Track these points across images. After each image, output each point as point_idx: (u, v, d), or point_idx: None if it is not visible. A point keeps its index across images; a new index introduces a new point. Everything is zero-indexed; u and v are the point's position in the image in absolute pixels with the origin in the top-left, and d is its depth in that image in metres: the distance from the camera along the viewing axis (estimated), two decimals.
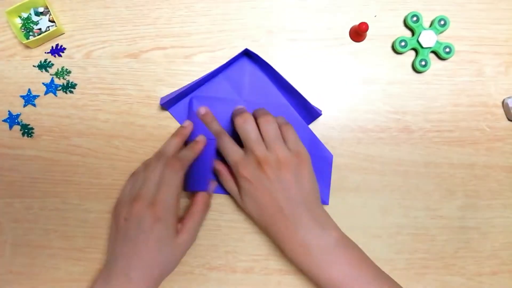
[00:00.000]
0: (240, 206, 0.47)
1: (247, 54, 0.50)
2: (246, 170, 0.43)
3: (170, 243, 0.42)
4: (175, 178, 0.42)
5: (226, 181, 0.46)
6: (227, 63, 0.49)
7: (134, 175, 0.45)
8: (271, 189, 0.42)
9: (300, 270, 0.42)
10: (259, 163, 0.42)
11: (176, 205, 0.42)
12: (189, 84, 0.49)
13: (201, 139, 0.46)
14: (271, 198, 0.42)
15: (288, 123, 0.46)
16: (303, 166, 0.43)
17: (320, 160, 0.48)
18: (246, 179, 0.43)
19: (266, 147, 0.43)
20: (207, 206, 0.46)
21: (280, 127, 0.44)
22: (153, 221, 0.40)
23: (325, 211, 0.44)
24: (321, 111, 0.49)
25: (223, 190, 0.49)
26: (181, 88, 0.49)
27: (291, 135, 0.45)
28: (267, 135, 0.43)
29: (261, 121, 0.44)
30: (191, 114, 0.50)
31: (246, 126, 0.43)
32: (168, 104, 0.49)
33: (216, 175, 0.48)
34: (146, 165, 0.45)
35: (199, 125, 0.47)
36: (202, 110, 0.49)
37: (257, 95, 0.50)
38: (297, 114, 0.49)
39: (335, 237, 0.41)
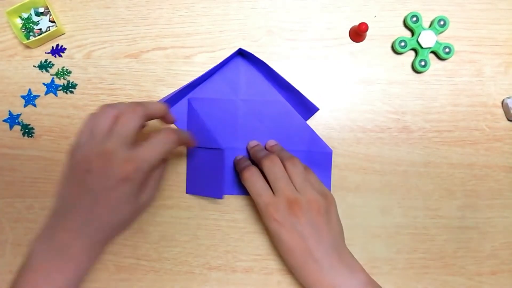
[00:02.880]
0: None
1: (241, 53, 0.50)
2: (277, 213, 0.42)
3: (132, 202, 0.38)
4: (164, 142, 0.38)
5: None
6: (221, 62, 0.49)
7: (98, 115, 0.38)
8: (302, 232, 0.41)
9: None
10: (290, 205, 0.41)
11: (150, 170, 0.38)
12: (184, 85, 0.49)
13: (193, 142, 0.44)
14: (302, 241, 0.41)
15: (307, 167, 0.46)
16: (332, 208, 0.43)
17: (320, 156, 0.49)
18: (277, 222, 0.42)
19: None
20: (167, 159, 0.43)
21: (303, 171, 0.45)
22: (121, 179, 0.36)
23: (351, 253, 0.43)
24: (318, 107, 0.49)
25: (239, 190, 0.49)
26: (177, 89, 0.49)
27: (315, 177, 0.45)
28: (296, 178, 0.43)
29: (288, 164, 0.44)
30: (190, 116, 0.50)
31: (275, 168, 0.43)
32: None
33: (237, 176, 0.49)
34: (116, 107, 0.38)
35: (201, 129, 0.47)
36: (253, 143, 0.49)
37: (254, 94, 0.50)
38: (294, 110, 0.49)
39: (363, 281, 0.41)
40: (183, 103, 0.50)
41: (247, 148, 0.49)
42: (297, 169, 0.43)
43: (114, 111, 0.38)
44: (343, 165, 0.49)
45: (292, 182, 0.43)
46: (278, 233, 0.42)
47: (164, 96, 0.50)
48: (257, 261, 0.49)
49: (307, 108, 0.49)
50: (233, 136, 0.49)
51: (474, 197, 0.49)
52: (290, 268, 0.43)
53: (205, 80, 0.50)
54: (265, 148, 0.49)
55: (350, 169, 0.49)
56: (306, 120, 0.50)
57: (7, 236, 0.50)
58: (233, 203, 0.50)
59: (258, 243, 0.49)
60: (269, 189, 0.43)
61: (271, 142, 0.49)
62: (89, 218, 0.36)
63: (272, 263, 0.49)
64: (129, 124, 0.37)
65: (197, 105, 0.50)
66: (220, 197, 0.47)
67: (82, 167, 0.37)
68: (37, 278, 0.36)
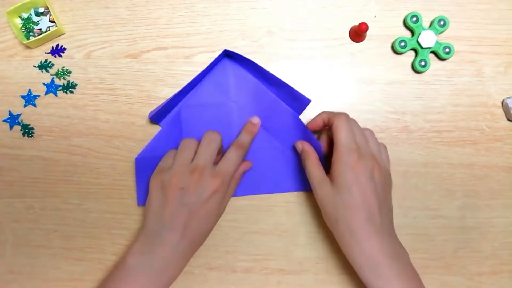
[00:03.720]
0: (317, 195, 0.43)
1: (227, 55, 0.49)
2: (360, 163, 0.41)
3: (217, 214, 0.44)
4: (238, 155, 0.45)
5: (313, 165, 0.44)
6: (208, 66, 0.48)
7: (180, 147, 0.45)
8: (375, 191, 0.41)
9: (365, 272, 0.40)
10: (372, 163, 0.42)
11: (231, 180, 0.44)
12: (174, 94, 0.49)
13: (257, 121, 0.49)
14: (372, 197, 0.41)
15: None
16: (390, 185, 0.45)
17: None
18: (355, 171, 0.41)
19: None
20: (240, 179, 0.48)
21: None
22: (212, 192, 0.42)
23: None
24: (310, 99, 0.48)
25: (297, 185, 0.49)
26: (167, 100, 0.49)
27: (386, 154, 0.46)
28: (373, 145, 0.44)
29: (370, 140, 0.45)
30: (185, 124, 0.49)
31: (366, 131, 0.45)
32: (157, 117, 0.49)
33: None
34: (192, 141, 0.45)
35: (198, 136, 0.46)
36: (255, 120, 0.49)
37: (245, 94, 0.50)
38: (286, 106, 0.49)
39: (409, 258, 0.42)
40: (175, 113, 0.50)
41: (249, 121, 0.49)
42: (377, 145, 0.45)
43: (195, 140, 0.45)
44: None
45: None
46: (351, 182, 0.40)
47: (151, 110, 0.50)
48: (257, 261, 0.49)
49: (299, 102, 0.49)
50: (230, 138, 0.49)
51: (474, 197, 0.49)
52: (341, 229, 0.41)
53: (194, 86, 0.50)
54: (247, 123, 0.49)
55: None
56: (300, 113, 0.50)
57: (7, 236, 0.50)
58: (233, 203, 0.49)
59: (258, 243, 0.49)
60: (357, 141, 0.42)
61: (255, 119, 0.49)
62: (185, 232, 0.41)
63: (272, 263, 0.49)
64: (211, 147, 0.44)
65: (190, 112, 0.50)
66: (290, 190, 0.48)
67: (176, 186, 0.42)
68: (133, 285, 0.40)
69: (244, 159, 0.48)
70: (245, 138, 0.47)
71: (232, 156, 0.44)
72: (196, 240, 0.43)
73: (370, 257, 0.40)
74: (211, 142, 0.44)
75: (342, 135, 0.42)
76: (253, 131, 0.48)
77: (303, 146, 0.46)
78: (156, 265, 0.41)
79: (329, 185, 0.42)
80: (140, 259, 0.41)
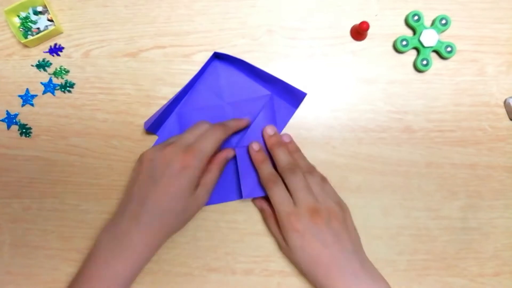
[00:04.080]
0: (282, 251, 0.47)
1: (217, 57, 0.49)
2: (299, 223, 0.41)
3: (188, 195, 0.42)
4: (217, 134, 0.43)
5: (271, 223, 0.46)
6: (200, 71, 0.48)
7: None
8: (325, 241, 0.41)
9: None
10: (311, 214, 0.41)
11: (206, 160, 0.43)
12: (168, 102, 0.48)
13: (246, 120, 0.48)
14: (325, 249, 0.41)
15: (324, 176, 0.46)
16: (348, 217, 0.45)
17: None
18: (298, 232, 0.41)
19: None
20: (225, 164, 0.47)
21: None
22: (181, 167, 0.41)
23: (370, 261, 0.43)
24: (305, 92, 0.48)
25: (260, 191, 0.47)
26: (161, 108, 0.49)
27: (330, 187, 0.46)
28: (315, 187, 0.44)
29: (307, 174, 0.44)
30: (182, 130, 0.48)
31: (297, 178, 0.43)
32: (153, 127, 0.48)
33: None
34: (198, 126, 0.45)
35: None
36: (256, 146, 0.47)
37: (239, 94, 0.49)
38: (282, 101, 0.49)
39: None
40: (171, 120, 0.49)
41: (248, 147, 0.48)
42: (315, 179, 0.44)
43: (206, 123, 0.45)
44: (344, 165, 0.49)
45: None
46: (300, 244, 0.41)
47: (146, 120, 0.49)
48: (257, 263, 0.49)
49: (295, 96, 0.49)
50: (228, 140, 0.49)
51: (476, 198, 0.49)
52: (312, 281, 0.42)
53: (187, 92, 0.49)
54: (264, 136, 0.48)
55: (351, 169, 0.49)
56: (297, 107, 0.49)
57: (4, 237, 0.50)
58: (233, 204, 0.49)
59: (258, 245, 0.49)
60: (291, 199, 0.43)
61: (271, 131, 0.48)
62: (149, 205, 0.40)
63: (272, 265, 0.49)
64: (208, 135, 0.43)
65: (186, 118, 0.49)
66: (241, 197, 0.47)
67: (148, 158, 0.42)
68: (98, 264, 0.40)
69: (228, 147, 0.48)
70: (230, 122, 0.46)
71: (209, 134, 0.43)
72: (163, 219, 0.41)
73: None
74: (209, 131, 0.44)
75: (275, 201, 0.43)
76: (241, 122, 0.47)
77: (261, 205, 0.47)
78: (119, 239, 0.40)
79: (287, 246, 0.43)
80: (106, 233, 0.42)
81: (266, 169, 0.45)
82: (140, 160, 0.43)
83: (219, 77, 0.49)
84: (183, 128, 0.49)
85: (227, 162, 0.47)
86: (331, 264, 0.41)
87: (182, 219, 0.43)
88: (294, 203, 0.42)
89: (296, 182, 0.43)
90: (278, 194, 0.43)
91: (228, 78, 0.49)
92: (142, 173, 0.42)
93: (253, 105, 0.49)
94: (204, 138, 0.43)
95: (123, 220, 0.41)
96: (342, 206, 0.44)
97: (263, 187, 0.45)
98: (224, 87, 0.49)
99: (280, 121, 0.49)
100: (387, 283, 0.42)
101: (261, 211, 0.48)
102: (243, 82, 0.49)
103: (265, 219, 0.48)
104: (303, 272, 0.43)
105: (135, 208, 0.41)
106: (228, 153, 0.47)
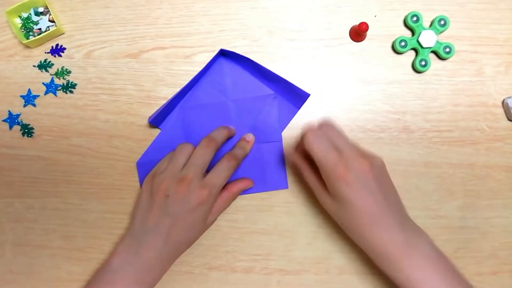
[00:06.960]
0: (321, 203, 0.44)
1: (223, 54, 0.49)
2: (348, 172, 0.39)
3: (202, 224, 0.44)
4: (229, 165, 0.44)
5: (309, 176, 0.44)
6: (205, 67, 0.49)
7: (175, 153, 0.45)
8: (373, 191, 0.40)
9: (386, 269, 0.40)
10: (360, 163, 0.40)
11: (218, 192, 0.44)
12: (172, 96, 0.48)
13: (250, 138, 0.49)
14: (373, 199, 0.39)
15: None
16: (386, 169, 0.43)
17: None
18: (346, 182, 0.39)
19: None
20: (237, 194, 0.48)
21: None
22: (197, 204, 0.42)
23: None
24: (308, 93, 0.48)
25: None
26: (165, 103, 0.49)
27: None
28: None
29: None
30: (185, 125, 0.49)
31: (331, 130, 0.42)
32: (156, 121, 0.49)
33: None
34: (187, 147, 0.45)
35: (198, 136, 0.46)
36: (249, 137, 0.49)
37: (243, 92, 0.50)
38: (286, 101, 0.49)
39: (429, 239, 0.41)
40: (174, 115, 0.50)
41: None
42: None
43: (191, 146, 0.45)
44: None
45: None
46: (347, 194, 0.39)
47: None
48: (257, 261, 0.49)
49: (299, 96, 0.49)
50: (230, 138, 0.49)
51: (474, 197, 0.49)
52: (356, 234, 0.41)
53: (192, 87, 0.50)
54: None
55: None
56: (299, 108, 0.50)
57: (7, 236, 0.50)
58: (233, 203, 0.49)
59: (258, 243, 0.49)
60: (334, 148, 0.41)
61: (249, 136, 0.49)
62: (168, 238, 0.42)
63: (272, 263, 0.49)
64: (204, 157, 0.44)
65: (189, 113, 0.50)
66: (286, 187, 0.49)
67: (163, 193, 0.43)
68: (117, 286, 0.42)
69: (246, 177, 0.49)
70: (238, 151, 0.47)
71: (222, 167, 0.44)
72: (180, 247, 0.45)
73: (385, 255, 0.39)
74: (205, 151, 0.44)
75: (317, 153, 0.40)
76: (247, 147, 0.48)
77: (294, 159, 0.47)
78: (139, 266, 0.42)
79: (329, 198, 0.42)
80: (125, 260, 0.43)
81: (304, 128, 0.43)
82: (151, 191, 0.44)
83: (224, 74, 0.50)
84: (185, 122, 0.49)
85: (238, 194, 0.48)
86: (380, 214, 0.39)
87: (192, 243, 0.46)
88: (340, 153, 0.40)
89: (333, 134, 0.42)
90: (321, 145, 0.41)
91: (233, 75, 0.50)
92: (155, 206, 0.43)
93: (256, 103, 0.49)
94: (217, 172, 0.44)
95: (146, 250, 0.42)
96: (380, 159, 0.43)
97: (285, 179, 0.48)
98: (228, 84, 0.50)
99: (282, 121, 0.50)
100: (427, 235, 0.42)
101: (296, 165, 0.46)
102: (247, 80, 0.50)
103: (302, 173, 0.46)
104: (343, 225, 0.42)
105: (157, 240, 0.42)
106: (246, 184, 0.48)
